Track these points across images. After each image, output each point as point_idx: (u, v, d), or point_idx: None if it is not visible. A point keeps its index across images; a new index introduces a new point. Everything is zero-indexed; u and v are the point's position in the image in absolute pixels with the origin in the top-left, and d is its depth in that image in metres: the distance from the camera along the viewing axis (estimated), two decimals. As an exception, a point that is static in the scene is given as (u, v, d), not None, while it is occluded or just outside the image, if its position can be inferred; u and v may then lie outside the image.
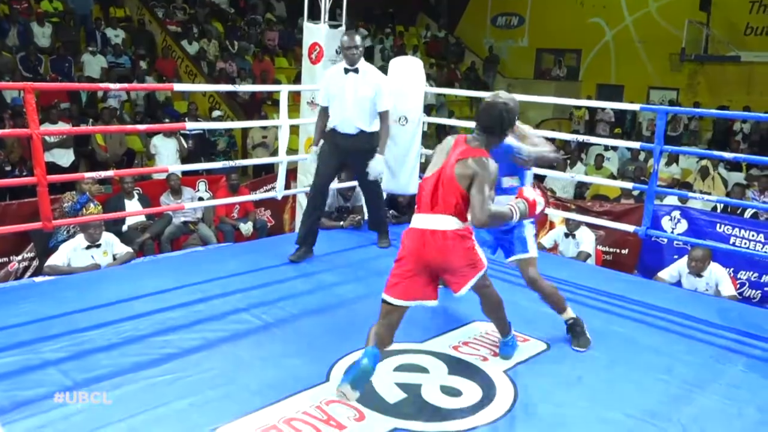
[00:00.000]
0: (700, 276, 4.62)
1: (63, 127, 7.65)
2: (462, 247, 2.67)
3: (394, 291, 2.68)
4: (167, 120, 9.15)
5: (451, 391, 2.71)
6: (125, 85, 5.95)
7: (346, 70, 4.29)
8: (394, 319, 2.69)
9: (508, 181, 3.18)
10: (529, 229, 3.25)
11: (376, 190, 4.72)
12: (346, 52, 4.25)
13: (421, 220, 2.70)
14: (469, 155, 2.63)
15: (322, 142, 4.46)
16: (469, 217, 2.65)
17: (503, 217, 2.66)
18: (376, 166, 4.38)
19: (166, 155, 7.92)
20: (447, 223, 2.65)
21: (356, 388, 2.50)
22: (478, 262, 2.73)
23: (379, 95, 4.31)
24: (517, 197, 2.74)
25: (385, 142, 4.44)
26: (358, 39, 4.27)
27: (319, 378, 2.76)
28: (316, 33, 6.32)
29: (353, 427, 2.45)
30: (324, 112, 4.44)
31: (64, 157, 7.98)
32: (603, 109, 13.93)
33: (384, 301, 2.69)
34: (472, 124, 8.96)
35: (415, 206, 2.74)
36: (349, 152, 4.39)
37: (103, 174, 4.54)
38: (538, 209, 2.75)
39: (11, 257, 5.32)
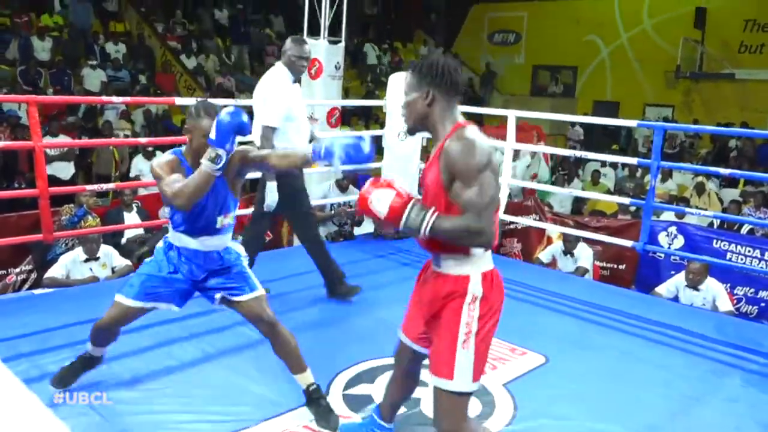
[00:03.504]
0: (697, 290, 4.64)
1: (64, 139, 7.68)
2: None
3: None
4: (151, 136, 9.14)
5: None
6: (127, 98, 5.98)
7: (293, 81, 3.71)
8: None
9: (222, 221, 2.49)
10: (245, 262, 2.60)
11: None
12: (303, 62, 3.66)
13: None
14: None
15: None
16: None
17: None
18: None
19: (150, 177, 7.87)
20: None
21: None
22: None
23: None
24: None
25: None
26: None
27: (319, 391, 2.76)
28: (315, 48, 6.39)
29: (353, 440, 2.45)
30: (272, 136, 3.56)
31: (65, 170, 7.99)
32: (572, 127, 13.98)
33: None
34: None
35: (490, 246, 1.90)
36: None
37: (104, 186, 4.55)
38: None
39: (9, 269, 5.30)
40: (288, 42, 3.65)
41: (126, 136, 9.00)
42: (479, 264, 1.91)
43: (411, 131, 2.03)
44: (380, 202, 1.84)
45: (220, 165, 2.25)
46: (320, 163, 2.27)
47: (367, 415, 2.49)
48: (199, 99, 2.68)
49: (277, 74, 3.66)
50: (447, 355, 1.87)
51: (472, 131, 1.87)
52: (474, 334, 1.86)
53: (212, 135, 2.24)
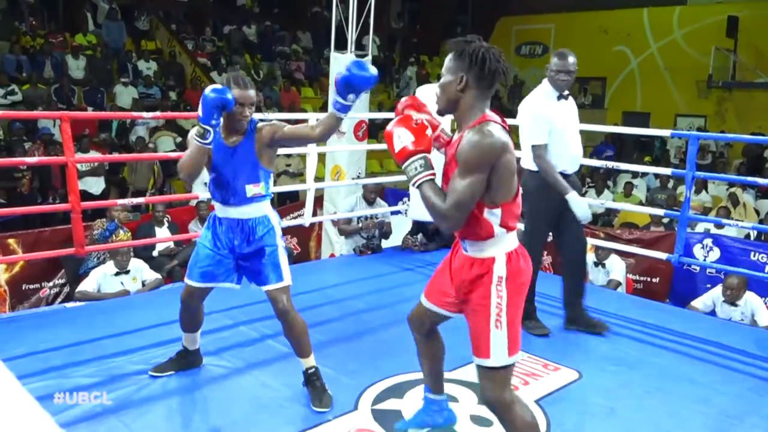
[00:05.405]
0: (735, 305, 4.52)
1: (95, 155, 7.83)
2: None
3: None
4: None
5: (482, 421, 2.66)
6: (157, 113, 6.06)
7: (559, 97, 3.55)
8: None
9: (252, 190, 2.65)
10: (282, 251, 2.72)
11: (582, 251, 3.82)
12: (563, 76, 3.48)
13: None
14: None
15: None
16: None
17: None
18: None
19: (200, 184, 8.00)
20: None
21: None
22: None
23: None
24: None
25: None
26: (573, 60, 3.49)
27: (347, 406, 2.73)
28: (342, 63, 6.41)
29: (383, 456, 2.41)
30: (546, 152, 3.50)
31: (96, 185, 8.14)
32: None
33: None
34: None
35: (510, 224, 1.98)
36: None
37: (135, 201, 4.60)
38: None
39: (42, 283, 5.40)
40: (552, 56, 3.57)
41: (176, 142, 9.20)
42: (503, 246, 1.97)
43: (440, 112, 2.05)
44: (399, 139, 1.93)
45: (209, 139, 2.44)
46: (343, 104, 2.44)
47: (415, 409, 2.56)
48: (230, 71, 2.86)
49: (537, 91, 3.57)
50: (483, 337, 1.97)
51: (494, 128, 1.88)
52: (505, 312, 1.94)
53: (199, 112, 2.40)
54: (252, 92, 2.55)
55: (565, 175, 3.51)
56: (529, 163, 3.56)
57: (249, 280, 2.76)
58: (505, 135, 1.89)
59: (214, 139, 2.52)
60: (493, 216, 1.94)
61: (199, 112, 2.40)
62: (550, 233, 3.73)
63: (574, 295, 3.75)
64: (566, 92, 3.53)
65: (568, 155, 3.52)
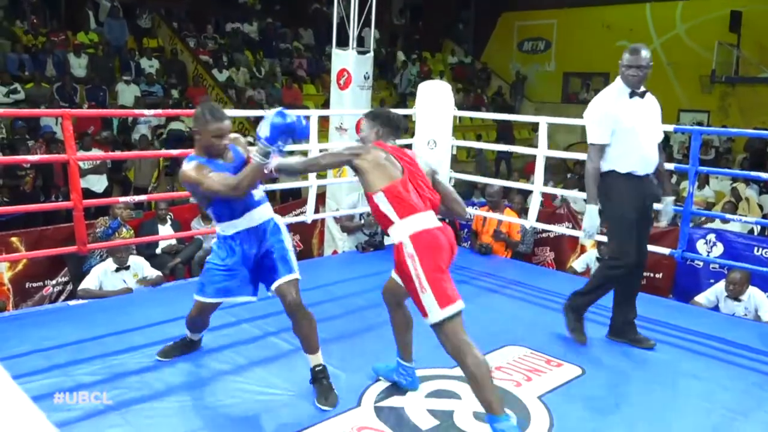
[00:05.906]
0: (738, 300, 4.50)
1: (97, 153, 7.83)
2: None
3: (456, 293, 2.40)
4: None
5: (484, 417, 2.65)
6: (158, 111, 6.06)
7: (632, 94, 3.35)
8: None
9: (257, 193, 2.79)
10: (289, 241, 2.83)
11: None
12: (633, 71, 3.30)
13: (430, 219, 2.47)
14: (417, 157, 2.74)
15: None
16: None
17: None
18: (669, 209, 3.60)
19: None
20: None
21: None
22: None
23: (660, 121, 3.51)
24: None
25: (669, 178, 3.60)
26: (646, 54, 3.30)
27: (350, 403, 2.72)
28: (344, 59, 6.42)
29: (386, 453, 2.41)
30: (600, 154, 3.36)
31: (98, 183, 8.14)
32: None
33: (459, 314, 2.38)
34: (498, 147, 8.83)
35: (401, 210, 2.43)
36: (644, 202, 3.39)
37: (137, 198, 4.60)
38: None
39: (46, 281, 5.41)
40: (624, 52, 3.35)
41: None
42: (405, 230, 2.42)
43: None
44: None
45: (270, 160, 2.54)
46: (266, 159, 2.53)
47: (394, 363, 2.84)
48: (203, 103, 2.97)
49: (609, 88, 3.42)
50: (417, 301, 2.39)
51: (375, 149, 2.55)
52: (424, 278, 2.34)
53: (266, 132, 2.49)
54: (228, 122, 2.68)
55: (635, 176, 3.31)
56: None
57: (262, 281, 2.81)
58: (378, 151, 2.52)
59: (213, 167, 2.64)
60: (385, 206, 2.45)
61: (266, 132, 2.48)
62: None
63: (622, 308, 3.55)
64: (642, 89, 3.35)
65: (637, 155, 3.31)
